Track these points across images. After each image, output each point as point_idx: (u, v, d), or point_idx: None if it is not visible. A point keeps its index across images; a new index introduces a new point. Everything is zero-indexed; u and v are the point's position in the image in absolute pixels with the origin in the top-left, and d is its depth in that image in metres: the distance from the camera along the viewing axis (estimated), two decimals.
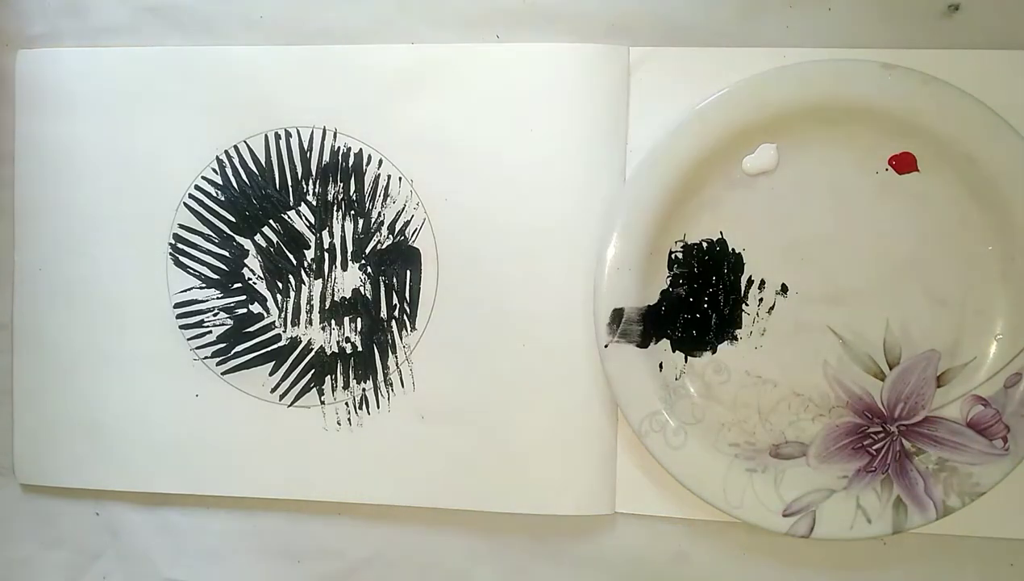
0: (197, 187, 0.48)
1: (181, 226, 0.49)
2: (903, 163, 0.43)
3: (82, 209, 0.49)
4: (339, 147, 0.47)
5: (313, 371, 0.48)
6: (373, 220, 0.47)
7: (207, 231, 0.49)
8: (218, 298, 0.49)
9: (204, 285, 0.49)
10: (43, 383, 0.50)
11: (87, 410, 0.49)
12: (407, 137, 0.47)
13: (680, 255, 0.45)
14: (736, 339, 0.45)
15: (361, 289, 0.47)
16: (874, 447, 0.44)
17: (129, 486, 0.49)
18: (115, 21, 0.49)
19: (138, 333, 0.49)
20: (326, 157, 0.47)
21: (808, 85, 0.42)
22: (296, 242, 0.48)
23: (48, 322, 0.50)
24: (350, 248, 0.48)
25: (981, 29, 0.43)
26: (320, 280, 0.48)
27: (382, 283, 0.47)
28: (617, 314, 0.44)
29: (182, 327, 0.49)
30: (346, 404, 0.48)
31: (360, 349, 0.47)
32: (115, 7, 0.49)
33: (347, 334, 0.48)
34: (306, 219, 0.48)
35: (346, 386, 0.48)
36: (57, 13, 0.50)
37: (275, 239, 0.48)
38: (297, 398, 0.48)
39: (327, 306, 0.48)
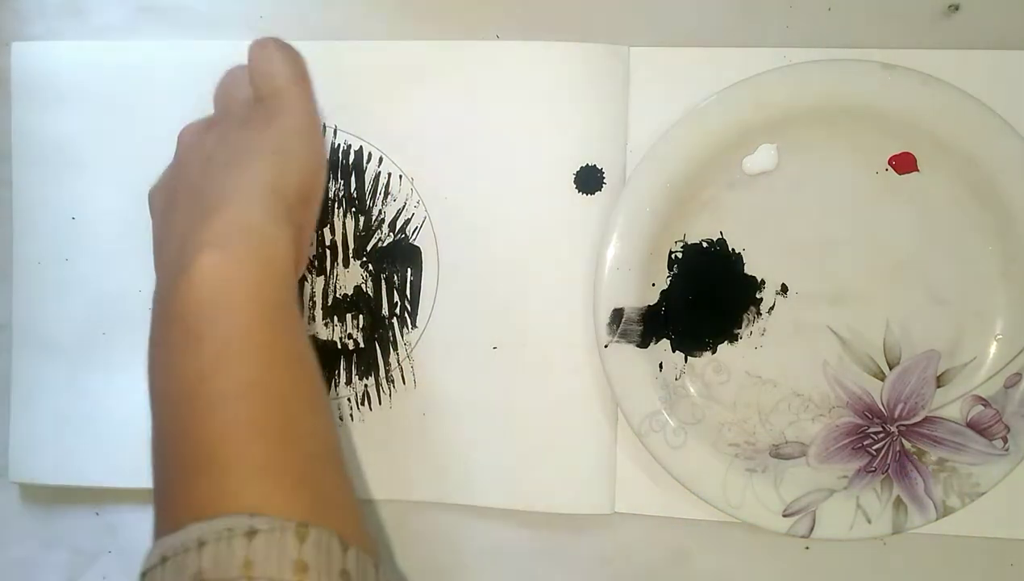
0: None
1: None
2: (903, 163, 0.43)
3: (81, 205, 0.49)
4: (339, 144, 0.47)
5: None
6: (374, 218, 0.47)
7: None
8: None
9: None
10: (42, 382, 0.50)
11: (87, 409, 0.49)
12: (407, 135, 0.47)
13: (680, 255, 0.45)
14: (736, 339, 0.45)
15: (363, 286, 0.47)
16: (874, 447, 0.44)
17: (128, 485, 0.49)
18: (115, 21, 0.49)
19: (138, 331, 0.49)
20: (327, 154, 0.47)
21: (808, 85, 0.42)
22: None
23: (47, 320, 0.50)
24: (351, 245, 0.48)
25: (981, 29, 0.43)
26: (322, 277, 0.48)
27: (383, 281, 0.47)
28: (617, 314, 0.44)
29: None
30: (349, 400, 0.48)
31: (362, 346, 0.47)
32: (115, 7, 0.49)
33: (349, 330, 0.48)
34: None
35: (348, 382, 0.48)
36: (56, 12, 0.50)
37: None
38: None
39: (329, 303, 0.48)
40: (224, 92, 0.41)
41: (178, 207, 0.37)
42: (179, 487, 0.31)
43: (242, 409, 0.31)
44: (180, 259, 0.33)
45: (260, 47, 0.39)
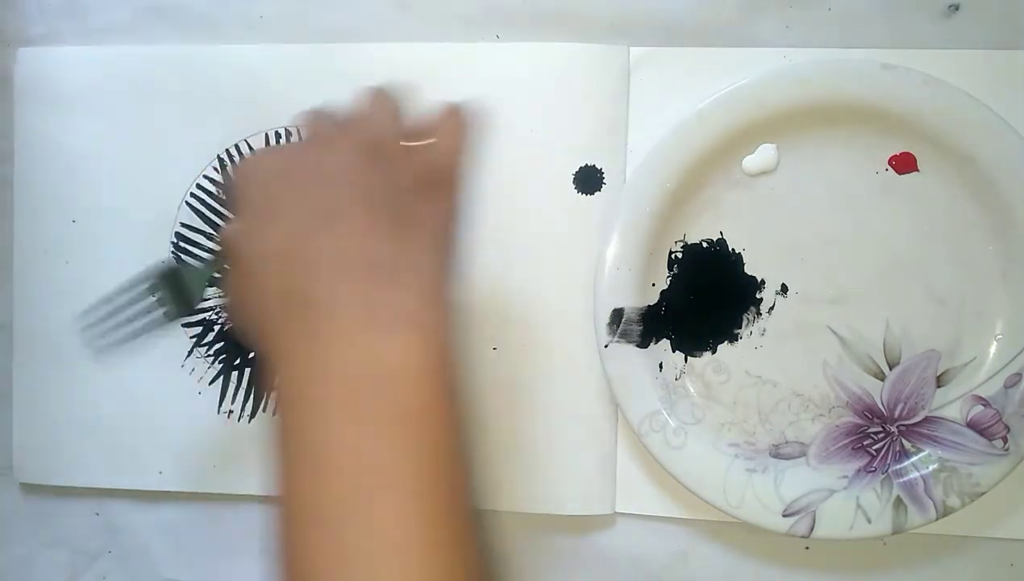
0: (199, 186, 0.48)
1: (183, 225, 0.49)
2: (903, 163, 0.43)
3: (83, 208, 0.49)
4: None
5: None
6: None
7: (209, 230, 0.49)
8: (220, 297, 0.49)
9: (207, 284, 0.49)
10: (43, 382, 0.50)
11: (87, 409, 0.49)
12: None
13: (680, 255, 0.45)
14: (736, 339, 0.45)
15: None
16: (874, 447, 0.44)
17: (129, 485, 0.49)
18: (115, 21, 0.49)
19: None
20: None
21: (808, 85, 0.42)
22: None
23: (48, 322, 0.50)
24: None
25: (981, 29, 0.43)
26: None
27: None
28: (617, 314, 0.44)
29: (184, 325, 0.49)
30: None
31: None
32: (115, 7, 0.49)
33: None
34: None
35: None
36: (57, 13, 0.50)
37: None
38: None
39: None
40: (383, 119, 0.36)
41: (333, 223, 0.32)
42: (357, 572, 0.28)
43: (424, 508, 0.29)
44: (366, 319, 0.30)
45: (455, 114, 0.36)
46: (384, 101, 0.36)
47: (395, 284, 0.31)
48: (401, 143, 0.35)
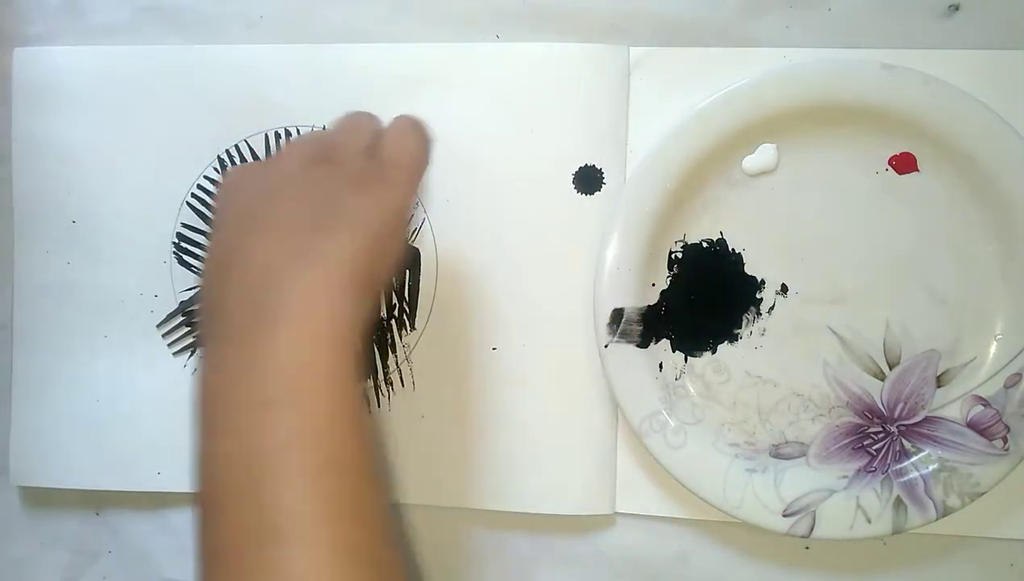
0: (199, 186, 0.48)
1: (184, 225, 0.49)
2: (903, 163, 0.43)
3: (83, 208, 0.49)
4: None
5: None
6: None
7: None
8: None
9: None
10: (43, 383, 0.50)
11: (87, 409, 0.49)
12: None
13: (680, 255, 0.45)
14: (736, 339, 0.45)
15: None
16: (874, 447, 0.44)
17: (129, 486, 0.49)
18: (115, 21, 0.49)
19: (140, 334, 0.49)
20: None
21: (808, 85, 0.42)
22: None
23: (48, 322, 0.50)
24: None
25: (981, 29, 0.43)
26: None
27: None
28: (617, 314, 0.44)
29: (186, 324, 0.49)
30: None
31: (360, 348, 0.47)
32: (115, 7, 0.49)
33: None
34: None
35: None
36: (56, 12, 0.50)
37: None
38: None
39: None
40: (347, 130, 0.39)
41: (267, 225, 0.35)
42: (249, 554, 0.31)
43: (321, 487, 0.31)
44: (257, 314, 0.33)
45: (406, 120, 0.39)
46: (348, 120, 0.39)
47: (295, 277, 0.33)
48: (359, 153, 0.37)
